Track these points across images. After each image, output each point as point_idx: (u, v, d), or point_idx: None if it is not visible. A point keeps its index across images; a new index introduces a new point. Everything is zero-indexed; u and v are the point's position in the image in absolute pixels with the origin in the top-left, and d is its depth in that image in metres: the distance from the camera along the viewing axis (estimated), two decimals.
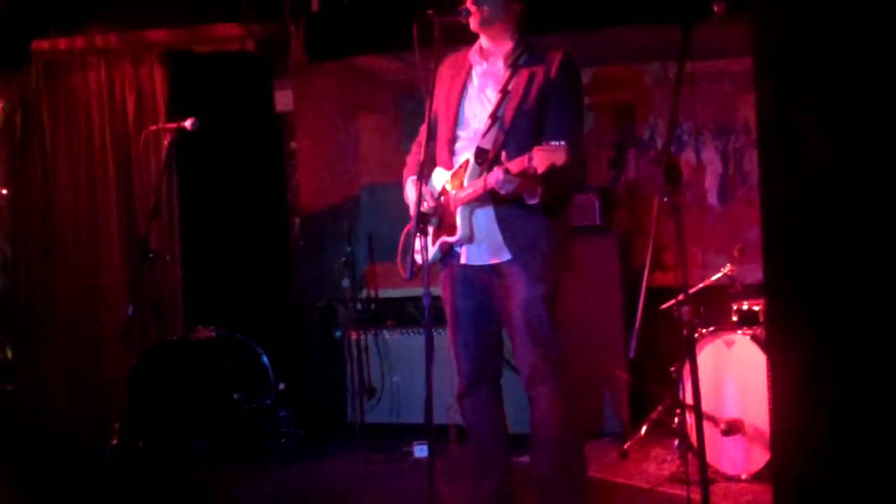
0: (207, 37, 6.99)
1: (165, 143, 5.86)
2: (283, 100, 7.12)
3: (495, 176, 3.78)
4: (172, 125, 5.84)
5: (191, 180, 6.91)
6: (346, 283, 6.39)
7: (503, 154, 3.82)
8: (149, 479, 5.72)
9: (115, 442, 5.75)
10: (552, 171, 3.61)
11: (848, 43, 2.56)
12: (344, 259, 6.39)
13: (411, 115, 4.51)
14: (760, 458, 4.77)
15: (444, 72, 4.11)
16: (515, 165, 3.71)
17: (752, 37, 2.77)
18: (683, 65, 3.59)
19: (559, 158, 3.57)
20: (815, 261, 2.60)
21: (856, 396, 2.56)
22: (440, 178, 4.14)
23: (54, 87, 7.07)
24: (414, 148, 4.43)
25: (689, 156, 6.51)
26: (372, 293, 6.61)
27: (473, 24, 4.05)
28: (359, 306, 6.67)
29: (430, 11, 3.89)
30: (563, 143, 3.57)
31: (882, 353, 2.51)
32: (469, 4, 4.02)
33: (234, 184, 6.89)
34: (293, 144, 7.18)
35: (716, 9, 3.51)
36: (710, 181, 6.55)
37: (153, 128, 6.13)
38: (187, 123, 5.71)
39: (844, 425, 2.58)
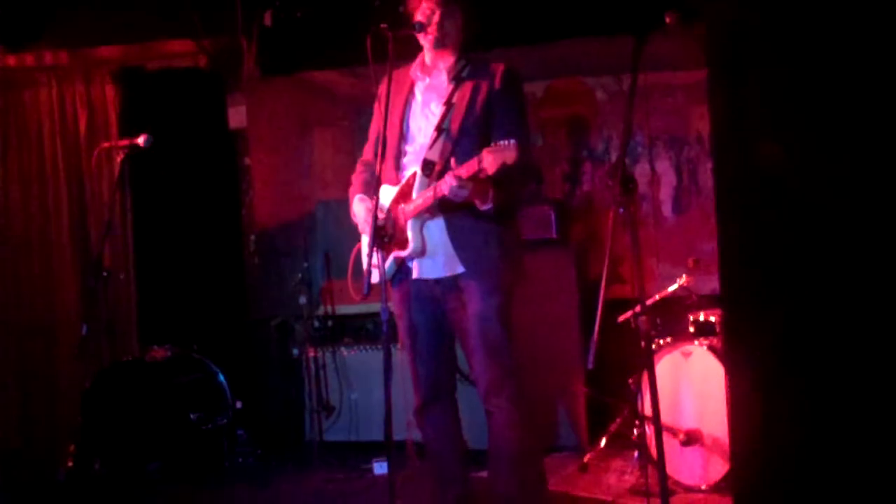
0: (159, 53, 6.94)
1: (118, 160, 5.81)
2: (237, 116, 7.07)
3: (447, 183, 3.78)
4: (125, 142, 5.78)
5: (144, 198, 6.87)
6: (302, 299, 6.34)
7: (452, 161, 3.82)
8: (105, 502, 5.65)
9: (69, 464, 5.68)
10: (503, 171, 3.61)
11: (801, 52, 2.58)
12: (300, 275, 6.36)
13: (366, 130, 4.50)
14: (720, 468, 4.78)
15: (386, 89, 4.08)
16: (466, 170, 3.71)
17: (706, 47, 2.78)
18: (636, 77, 3.59)
19: (510, 157, 3.58)
20: (771, 270, 2.61)
21: (813, 405, 2.57)
22: (387, 194, 4.13)
23: (4, 105, 7.00)
24: (358, 167, 4.43)
25: (643, 167, 6.55)
26: (329, 310, 6.58)
27: (428, 42, 4.07)
28: (316, 323, 6.63)
29: (383, 25, 3.89)
30: (512, 141, 3.58)
31: (839, 361, 2.53)
32: (432, 25, 4.03)
33: (188, 201, 6.84)
34: (247, 160, 7.13)
35: (668, 20, 3.52)
36: (665, 192, 6.59)
37: (105, 145, 6.08)
38: (140, 140, 5.66)
39: (802, 434, 2.59)
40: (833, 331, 2.53)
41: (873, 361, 2.50)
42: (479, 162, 3.64)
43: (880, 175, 2.48)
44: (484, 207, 3.89)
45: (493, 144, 3.62)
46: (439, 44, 4.09)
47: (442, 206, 3.93)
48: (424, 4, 4.06)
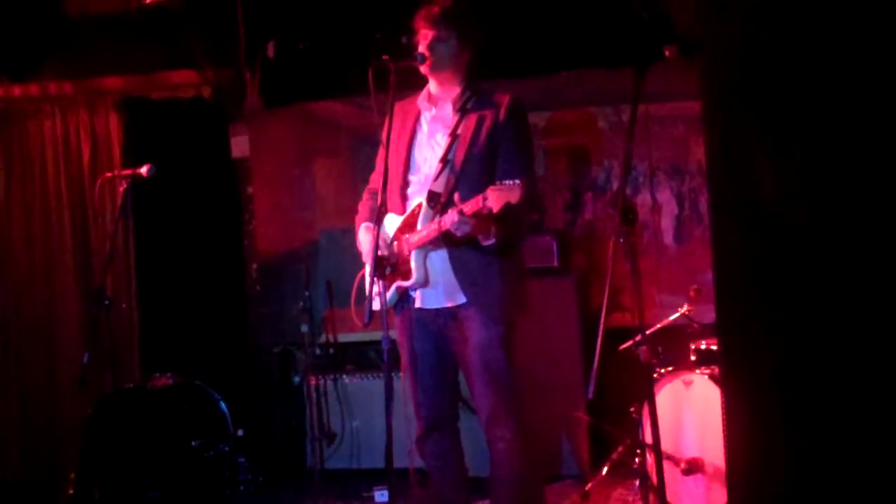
0: (163, 83, 6.98)
1: (121, 190, 5.83)
2: (240, 146, 7.11)
3: (450, 218, 3.80)
4: (128, 172, 5.81)
5: (147, 227, 6.88)
6: (304, 327, 6.35)
7: (456, 196, 3.85)
8: None
9: (70, 492, 5.67)
10: (507, 210, 3.64)
11: (799, 79, 2.60)
12: (302, 304, 6.36)
13: (368, 160, 4.53)
14: (721, 496, 4.78)
15: (394, 118, 4.12)
16: (470, 206, 3.74)
17: (701, 75, 2.81)
18: (636, 108, 3.62)
19: (514, 197, 3.60)
20: (767, 299, 2.62)
21: (811, 435, 2.57)
22: (392, 223, 4.16)
23: (8, 134, 7.03)
24: (365, 195, 4.46)
25: (644, 197, 6.57)
26: (331, 338, 6.59)
27: (425, 68, 4.10)
28: (318, 351, 6.64)
29: (385, 57, 3.93)
30: (517, 181, 3.61)
31: (836, 389, 2.54)
32: (423, 49, 4.07)
33: (190, 230, 6.86)
34: (249, 190, 7.18)
35: (667, 53, 3.57)
36: (666, 222, 6.60)
37: (109, 175, 6.09)
38: (143, 170, 5.68)
39: (799, 464, 2.60)
40: (832, 360, 2.54)
41: (873, 390, 2.51)
42: (484, 200, 3.66)
43: (879, 203, 2.50)
44: (486, 243, 3.92)
45: (498, 183, 3.64)
46: (434, 68, 4.11)
47: (445, 239, 3.96)
48: (421, 31, 4.10)
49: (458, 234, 3.85)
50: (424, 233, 3.98)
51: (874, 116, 2.51)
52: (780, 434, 2.65)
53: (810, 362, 2.57)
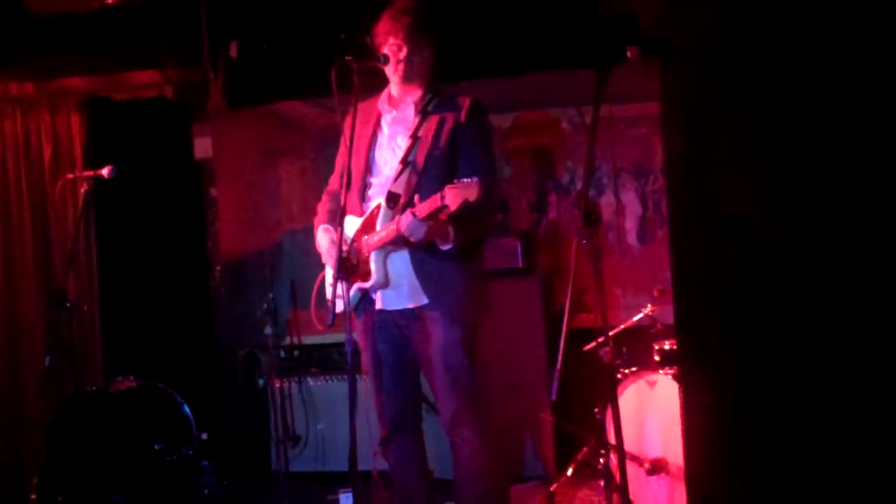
0: (125, 84, 6.92)
1: (83, 191, 5.79)
2: (203, 146, 7.07)
3: (405, 220, 3.80)
4: (90, 173, 5.75)
5: (109, 229, 6.82)
6: (268, 330, 6.32)
7: (416, 197, 3.84)
8: None
9: (33, 497, 5.61)
10: (466, 208, 3.64)
11: (761, 84, 2.61)
12: (266, 306, 6.34)
13: (331, 161, 4.52)
14: (684, 496, 4.79)
15: (354, 120, 4.11)
16: (428, 206, 3.74)
17: (662, 79, 2.81)
18: (598, 109, 3.63)
19: (472, 194, 3.61)
20: (725, 300, 2.63)
21: (769, 435, 2.59)
22: (351, 224, 4.14)
23: None
24: (324, 197, 4.45)
25: (609, 198, 6.59)
26: (295, 340, 6.57)
27: (396, 77, 4.10)
28: (282, 353, 6.62)
29: (348, 57, 3.92)
30: (474, 179, 3.62)
31: (794, 389, 2.55)
32: (396, 58, 4.06)
33: (153, 231, 6.81)
34: (213, 191, 7.14)
35: (629, 54, 3.56)
36: (630, 222, 6.63)
37: (70, 176, 6.05)
38: (105, 171, 5.63)
39: (758, 464, 2.61)
40: (789, 360, 2.55)
41: (831, 390, 2.52)
42: (442, 199, 3.67)
43: (840, 205, 2.51)
44: (445, 247, 3.91)
45: (455, 181, 3.66)
46: (407, 79, 4.12)
47: (405, 240, 3.95)
48: (392, 40, 4.08)
49: (413, 239, 3.85)
50: (384, 234, 3.97)
51: (838, 120, 2.52)
52: (738, 434, 2.66)
53: (768, 363, 2.58)
